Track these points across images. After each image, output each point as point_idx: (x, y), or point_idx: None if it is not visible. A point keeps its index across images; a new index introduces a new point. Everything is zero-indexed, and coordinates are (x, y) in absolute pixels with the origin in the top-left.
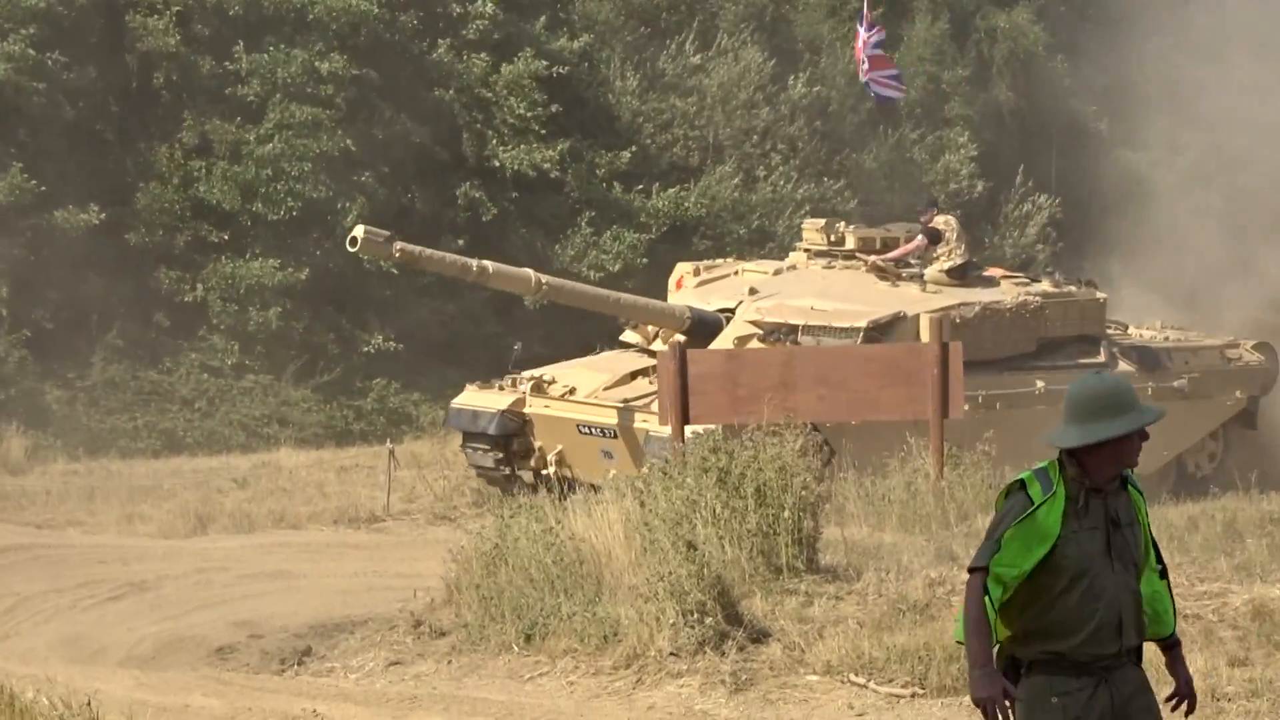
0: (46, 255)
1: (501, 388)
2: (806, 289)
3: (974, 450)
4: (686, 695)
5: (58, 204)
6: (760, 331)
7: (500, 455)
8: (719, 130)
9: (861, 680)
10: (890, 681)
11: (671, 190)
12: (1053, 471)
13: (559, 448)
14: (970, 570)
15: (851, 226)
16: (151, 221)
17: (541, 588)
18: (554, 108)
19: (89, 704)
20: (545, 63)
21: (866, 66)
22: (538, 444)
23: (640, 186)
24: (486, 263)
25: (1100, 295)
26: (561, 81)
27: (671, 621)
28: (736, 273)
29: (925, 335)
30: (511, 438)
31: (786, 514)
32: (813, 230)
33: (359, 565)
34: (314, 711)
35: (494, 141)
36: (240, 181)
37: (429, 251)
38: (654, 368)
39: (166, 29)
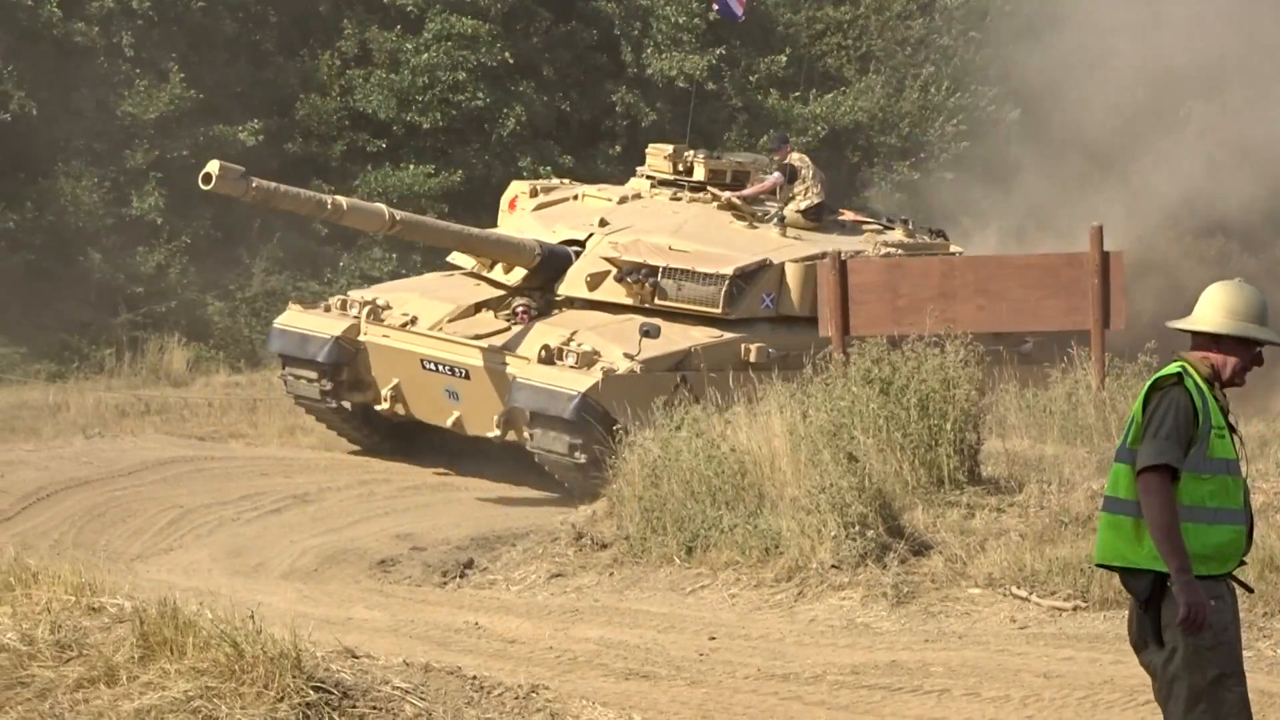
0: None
1: (327, 308)
2: (658, 224)
3: (1135, 361)
4: (848, 608)
5: (218, 115)
6: (616, 270)
7: (328, 386)
8: (872, 40)
9: (1023, 593)
10: (1052, 594)
11: (828, 96)
12: (1190, 370)
13: (394, 381)
14: (1150, 469)
15: (700, 155)
16: (310, 131)
17: (703, 500)
18: (712, 15)
19: (252, 617)
20: None
21: None
22: (371, 376)
23: (797, 94)
24: (340, 198)
25: (956, 248)
26: None
27: (833, 534)
28: (576, 197)
29: (792, 285)
30: (341, 366)
31: (949, 425)
32: (659, 156)
33: (521, 476)
34: (475, 624)
35: (649, 49)
36: (397, 90)
37: (284, 188)
38: (501, 300)
39: None
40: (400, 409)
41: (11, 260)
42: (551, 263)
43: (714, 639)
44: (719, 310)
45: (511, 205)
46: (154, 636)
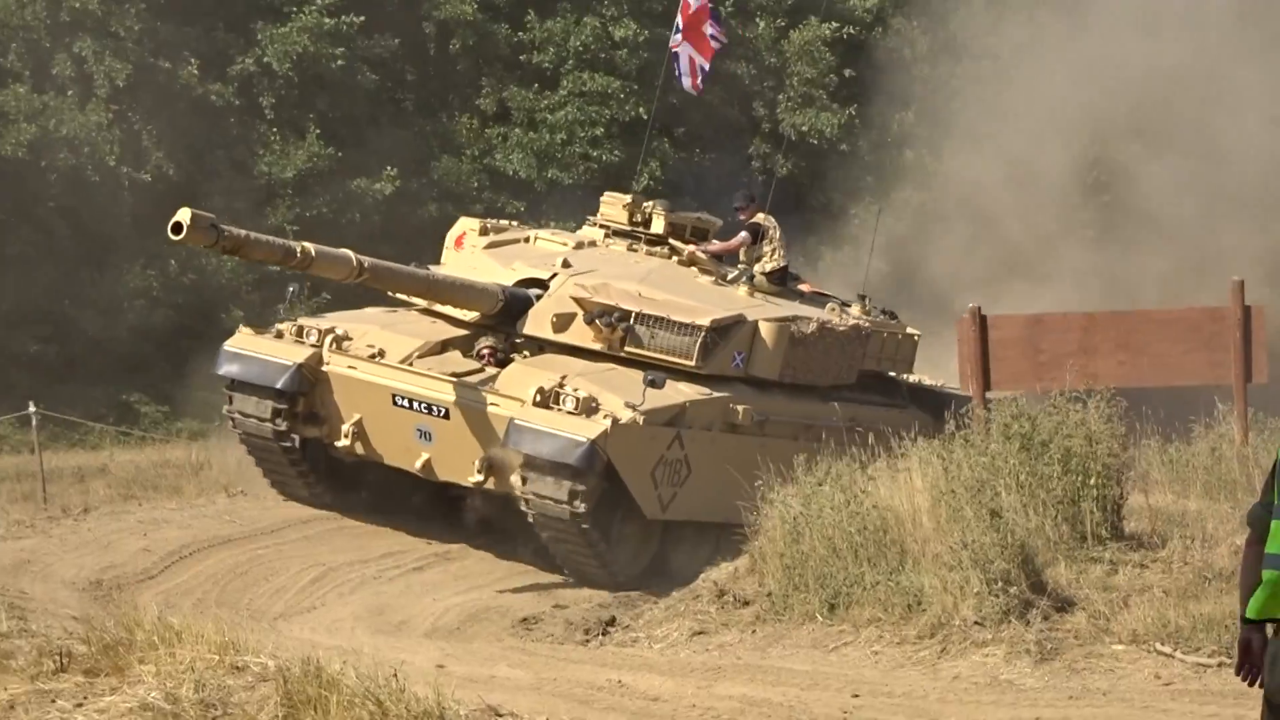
0: (344, 222)
1: (279, 334)
2: (623, 271)
3: (1278, 415)
4: (991, 664)
5: (356, 171)
6: (584, 312)
7: (282, 418)
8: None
9: (1168, 649)
10: (1196, 650)
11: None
12: None
13: (357, 417)
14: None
15: (659, 206)
16: (448, 191)
17: (845, 556)
18: (846, 72)
19: (395, 675)
20: (835, 24)
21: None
22: (330, 410)
23: (926, 151)
24: (309, 245)
25: (914, 332)
26: (851, 44)
27: (976, 590)
28: (528, 239)
29: (764, 346)
30: (298, 397)
31: (1091, 481)
32: (616, 205)
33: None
34: (619, 682)
35: (783, 105)
36: (536, 149)
37: (254, 235)
38: (466, 339)
39: None
40: (360, 448)
41: (154, 319)
42: (512, 306)
43: (857, 696)
44: (692, 363)
45: (459, 242)
46: (298, 695)
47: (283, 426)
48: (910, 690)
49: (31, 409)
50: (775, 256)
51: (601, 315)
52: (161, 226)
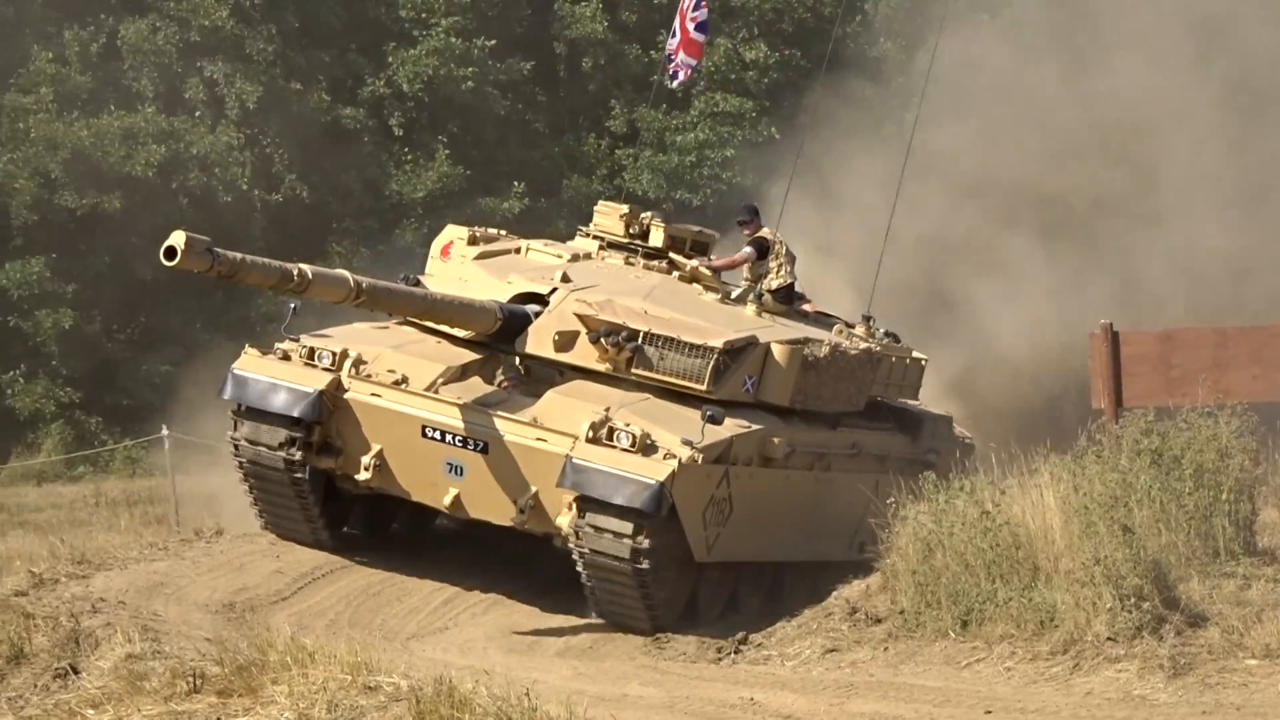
0: None
1: (286, 356)
2: (625, 286)
3: None
4: (1124, 680)
5: (486, 191)
6: (589, 331)
7: (297, 449)
8: None
9: None
10: None
11: None
12: None
13: (377, 449)
14: None
15: (656, 218)
16: (577, 210)
17: (977, 573)
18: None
19: (527, 694)
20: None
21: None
22: (347, 440)
23: None
24: (306, 267)
25: (921, 356)
26: None
27: (1108, 606)
28: (519, 250)
29: (777, 369)
30: (314, 426)
31: (1224, 496)
32: (612, 216)
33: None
34: (751, 699)
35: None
36: (665, 169)
37: (249, 258)
38: (487, 365)
39: (594, 15)
40: (380, 481)
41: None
42: (510, 324)
43: (990, 713)
44: (703, 387)
45: (445, 251)
46: (430, 715)
47: (296, 456)
48: (1043, 706)
49: (165, 432)
50: (782, 273)
51: (609, 334)
52: (297, 248)
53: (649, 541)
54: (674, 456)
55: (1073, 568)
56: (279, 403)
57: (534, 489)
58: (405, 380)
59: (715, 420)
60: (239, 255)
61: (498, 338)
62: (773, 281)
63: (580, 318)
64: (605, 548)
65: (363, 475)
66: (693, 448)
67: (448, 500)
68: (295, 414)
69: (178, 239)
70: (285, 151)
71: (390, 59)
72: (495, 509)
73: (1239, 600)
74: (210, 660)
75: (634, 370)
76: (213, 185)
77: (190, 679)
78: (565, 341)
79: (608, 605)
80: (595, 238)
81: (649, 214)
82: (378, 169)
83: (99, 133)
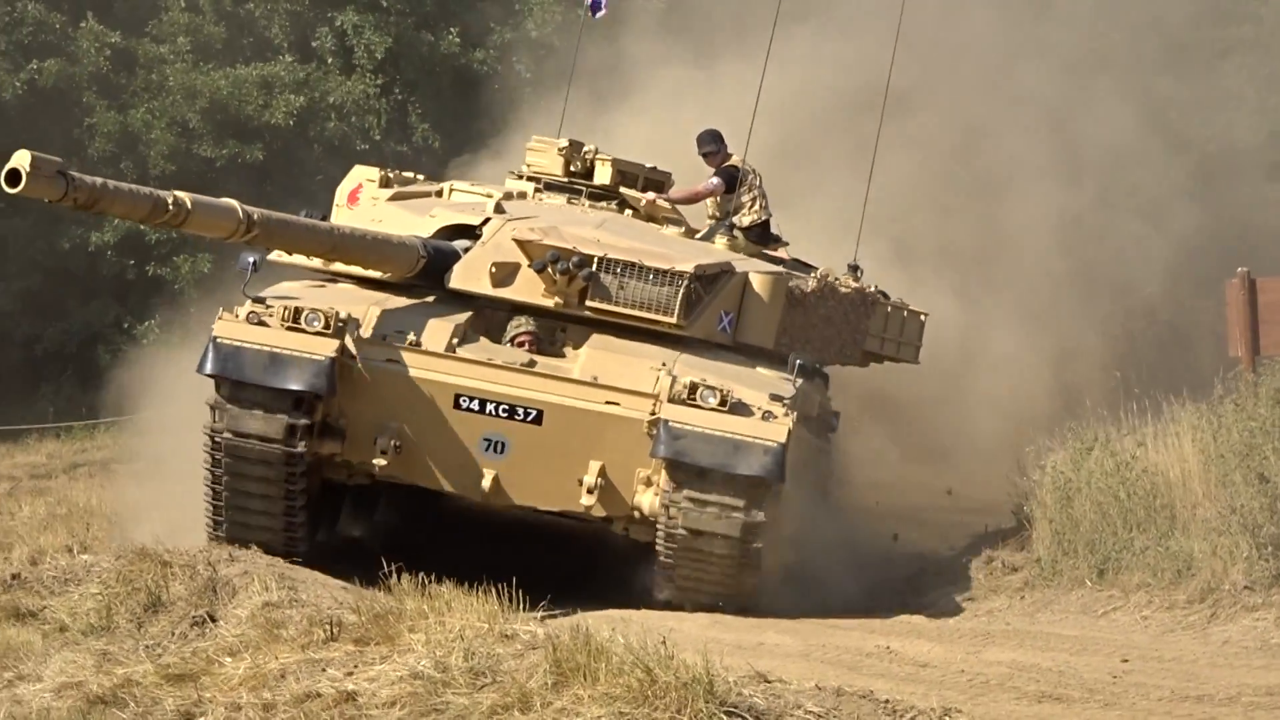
0: None
1: (259, 321)
2: (569, 219)
3: None
4: (1262, 629)
5: None
6: (531, 260)
7: (303, 426)
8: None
9: None
10: None
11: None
12: None
13: (394, 427)
14: None
15: (599, 153)
16: None
17: (1114, 521)
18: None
19: (664, 643)
20: None
21: None
22: (354, 419)
23: None
24: (183, 195)
25: (922, 312)
26: None
27: (1245, 555)
28: (440, 192)
29: (757, 303)
30: (316, 403)
31: None
32: (548, 152)
33: (926, 498)
34: (887, 648)
35: None
36: None
37: (112, 184)
38: (496, 322)
39: None
40: (400, 468)
41: None
42: (435, 263)
43: (1127, 661)
44: (673, 319)
45: (353, 197)
46: (567, 663)
47: (300, 447)
48: (1180, 655)
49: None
50: (756, 208)
51: (556, 261)
52: None
53: (763, 514)
54: (772, 415)
55: (1210, 516)
56: (283, 377)
57: (598, 463)
58: (418, 343)
59: (806, 371)
60: (98, 180)
61: (421, 278)
62: (744, 217)
63: (521, 244)
64: (709, 525)
65: (378, 461)
66: (783, 403)
67: (485, 485)
68: (305, 388)
69: (21, 159)
70: (417, 100)
71: (518, 5)
72: (545, 492)
73: None
74: (347, 608)
75: (588, 303)
76: (349, 134)
77: (327, 627)
78: (504, 275)
79: (694, 589)
80: (530, 179)
81: (593, 148)
82: (509, 111)
83: (237, 82)
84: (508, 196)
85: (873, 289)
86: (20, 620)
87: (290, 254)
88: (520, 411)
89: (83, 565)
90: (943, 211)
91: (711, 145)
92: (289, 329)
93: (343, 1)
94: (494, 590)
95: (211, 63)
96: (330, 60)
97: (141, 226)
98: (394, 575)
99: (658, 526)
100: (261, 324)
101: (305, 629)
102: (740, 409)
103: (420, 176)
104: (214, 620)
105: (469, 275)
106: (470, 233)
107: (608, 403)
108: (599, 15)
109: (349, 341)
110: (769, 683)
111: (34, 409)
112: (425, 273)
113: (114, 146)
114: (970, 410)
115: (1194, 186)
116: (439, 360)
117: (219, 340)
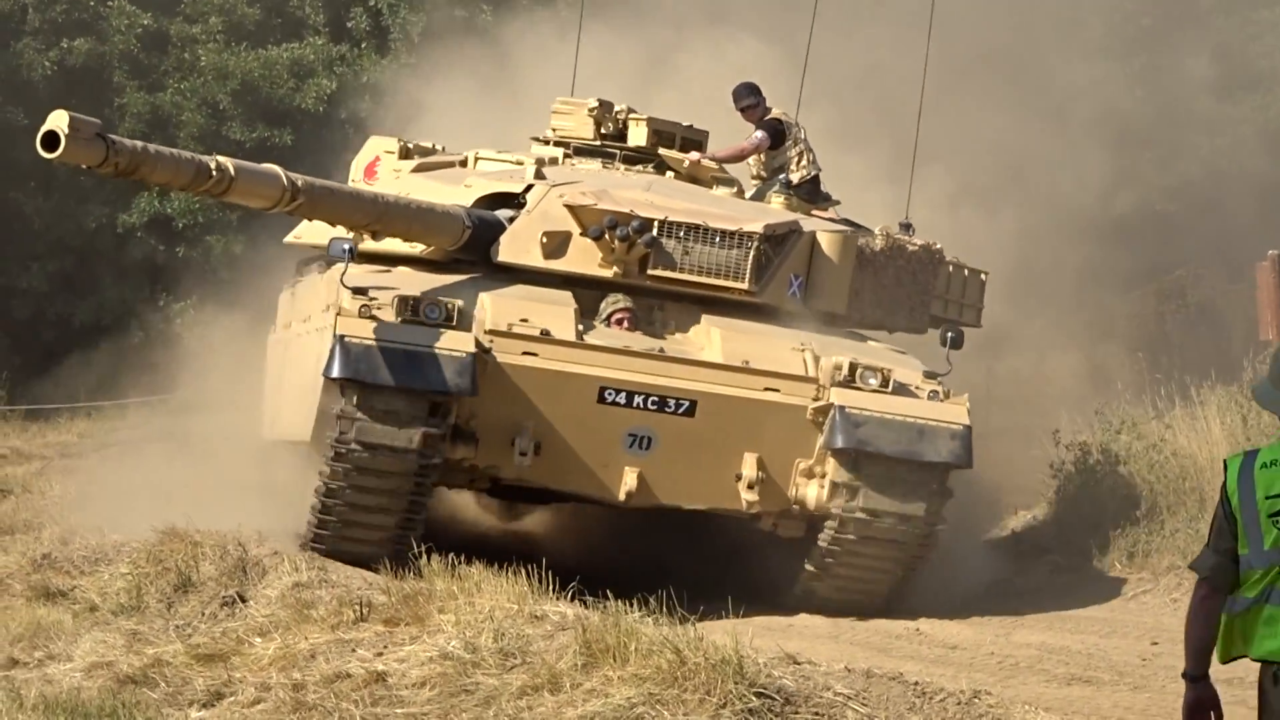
0: None
1: (368, 313)
2: (614, 184)
3: None
4: None
5: None
6: (585, 227)
7: (439, 433)
8: None
9: None
10: None
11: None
12: None
13: (531, 424)
14: None
15: (630, 111)
16: None
17: (1144, 504)
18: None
19: (693, 624)
20: None
21: None
22: (493, 420)
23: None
24: (227, 161)
25: (983, 270)
26: None
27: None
28: (464, 161)
29: (827, 266)
30: (452, 404)
31: None
32: (577, 114)
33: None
34: (917, 630)
35: None
36: None
37: (154, 148)
38: (590, 302)
39: None
40: (536, 473)
41: None
42: (481, 234)
43: (1156, 644)
44: (744, 285)
45: (370, 171)
46: (596, 644)
47: (436, 458)
48: None
49: None
50: (804, 163)
51: (614, 226)
52: None
53: (943, 502)
54: (938, 395)
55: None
56: (423, 377)
57: (754, 456)
58: (546, 332)
59: (957, 343)
60: (140, 144)
61: (465, 251)
62: (794, 173)
63: (573, 210)
64: (890, 518)
65: (517, 462)
66: (939, 381)
67: (629, 484)
68: (448, 389)
69: (59, 120)
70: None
71: None
72: (695, 489)
73: None
74: (377, 589)
75: (650, 271)
76: (380, 114)
77: (357, 607)
78: (555, 245)
79: (854, 587)
80: (558, 144)
81: (625, 108)
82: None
83: (268, 63)
84: (540, 163)
85: (937, 246)
86: (50, 600)
87: (333, 225)
88: (671, 403)
89: (113, 545)
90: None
91: (750, 99)
92: (407, 323)
93: None
94: (524, 571)
95: (244, 43)
96: (365, 44)
97: (169, 211)
98: (424, 556)
99: (827, 521)
100: (373, 318)
101: (335, 609)
102: (902, 390)
103: (440, 146)
104: (244, 600)
105: (517, 247)
106: (511, 201)
107: (766, 389)
108: None
109: (483, 335)
110: (798, 664)
111: (64, 388)
112: (469, 245)
113: (144, 127)
114: (997, 389)
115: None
116: (576, 351)
117: (348, 340)
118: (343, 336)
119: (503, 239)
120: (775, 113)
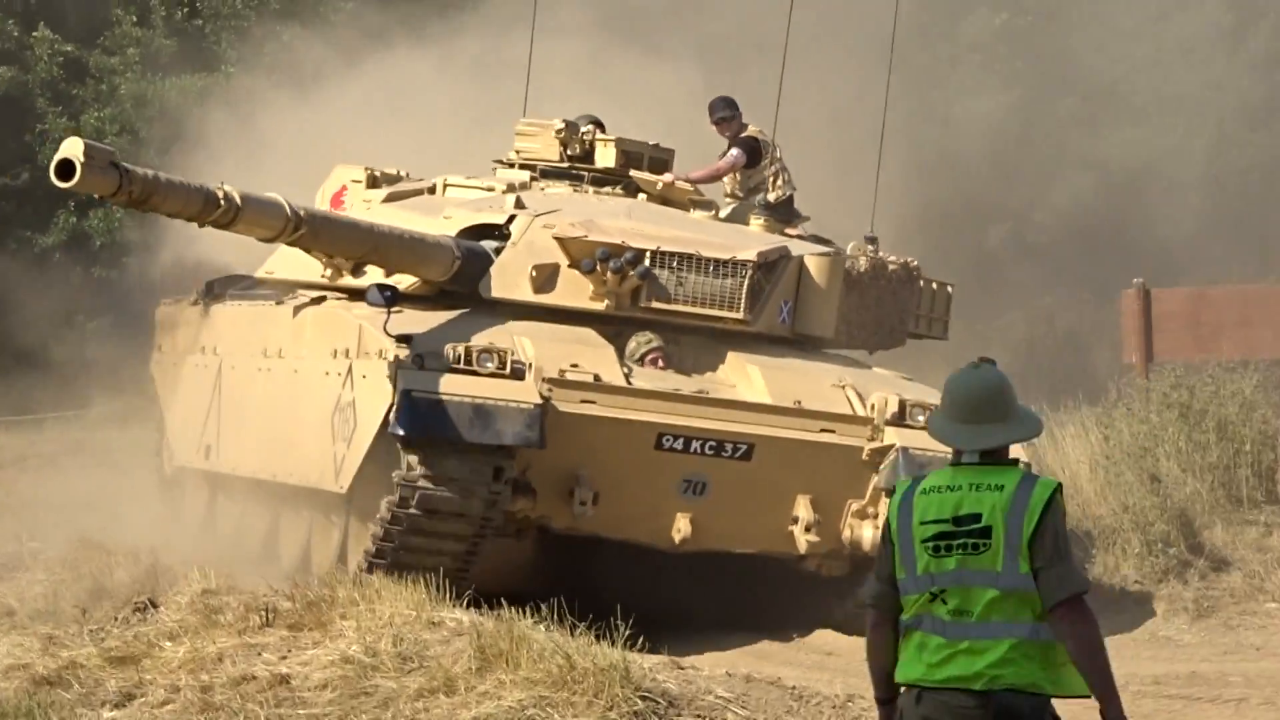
0: None
1: (421, 361)
2: (592, 211)
3: None
4: (1151, 623)
5: None
6: (577, 259)
7: (504, 488)
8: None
9: None
10: None
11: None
12: None
13: (588, 473)
14: (1081, 595)
15: (597, 132)
16: None
17: None
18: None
19: (586, 631)
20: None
21: None
22: (552, 470)
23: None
24: (233, 190)
25: (949, 284)
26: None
27: (1136, 551)
28: (432, 189)
29: (815, 290)
30: (514, 457)
31: (1247, 447)
32: (543, 135)
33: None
34: (794, 637)
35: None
36: None
37: (165, 176)
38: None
39: None
40: (592, 524)
41: None
42: (468, 265)
43: None
44: (739, 314)
45: (336, 200)
46: (490, 649)
47: (498, 517)
48: None
49: None
50: (780, 182)
51: (608, 259)
52: None
53: None
54: None
55: (1102, 514)
56: (493, 431)
57: (807, 497)
58: (596, 377)
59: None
60: (151, 173)
61: (453, 283)
62: (771, 193)
63: (562, 242)
64: None
65: (576, 512)
66: None
67: (682, 530)
68: (518, 443)
69: (74, 148)
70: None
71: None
72: (749, 533)
73: (1260, 546)
74: (282, 596)
75: (643, 304)
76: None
77: (263, 613)
78: (545, 278)
79: None
80: (523, 166)
81: (591, 127)
82: None
83: (182, 91)
84: (510, 188)
85: (915, 263)
86: None
87: (330, 256)
88: (729, 447)
89: (30, 553)
90: None
91: (725, 111)
92: (461, 372)
93: (289, 15)
94: (422, 580)
95: (160, 73)
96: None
97: (87, 227)
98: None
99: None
100: (420, 364)
101: (242, 615)
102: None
103: (404, 173)
104: (155, 606)
105: (506, 281)
106: (492, 232)
107: (822, 430)
108: None
109: (536, 382)
110: (681, 669)
111: None
112: (457, 277)
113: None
114: None
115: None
116: (629, 397)
117: (414, 394)
118: (408, 391)
119: (492, 273)
120: (751, 130)
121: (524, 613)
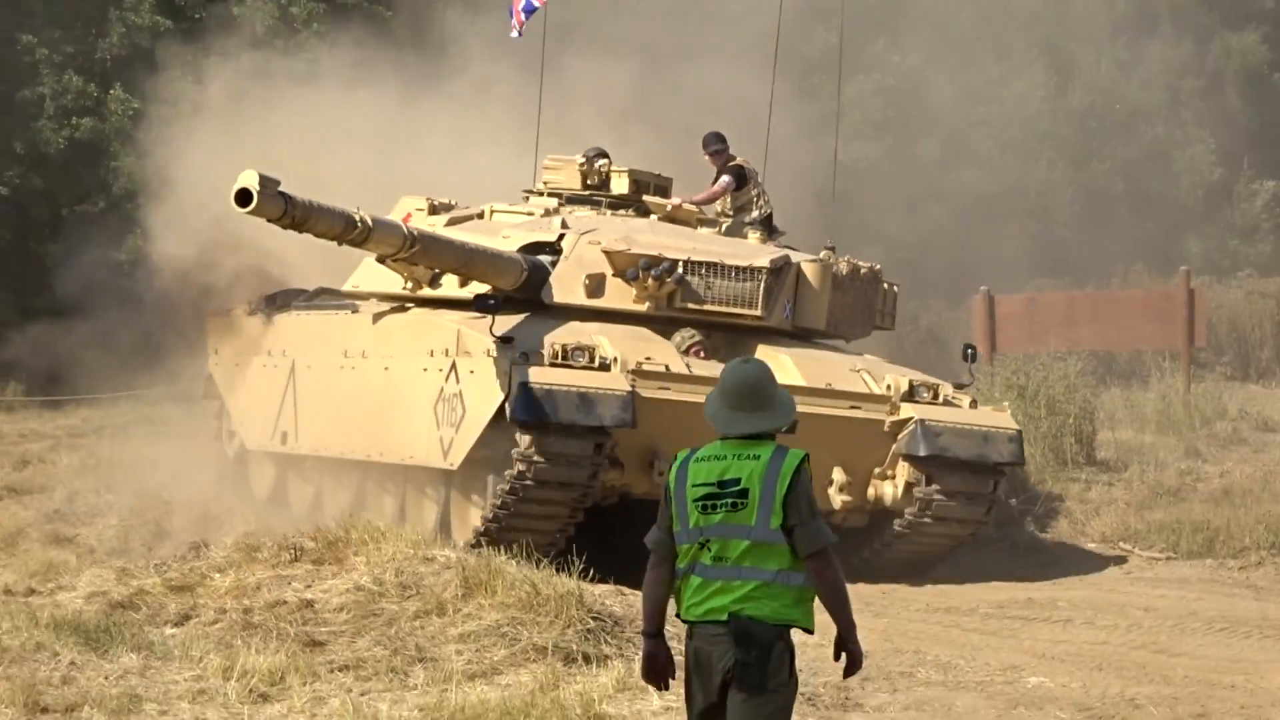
0: None
1: (526, 356)
2: (622, 230)
3: (1214, 370)
4: (996, 559)
5: None
6: (622, 269)
7: (601, 460)
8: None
9: (1128, 547)
10: (1150, 548)
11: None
12: None
13: (664, 449)
14: (827, 548)
15: (609, 164)
16: None
17: None
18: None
19: (554, 569)
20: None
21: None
22: (636, 449)
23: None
24: (365, 214)
25: (895, 284)
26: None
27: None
28: (481, 215)
29: (811, 291)
30: (608, 436)
31: (1070, 420)
32: (566, 169)
33: None
34: None
35: None
36: None
37: (317, 203)
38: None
39: None
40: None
41: None
42: (533, 275)
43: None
44: (757, 311)
45: (405, 223)
46: (472, 579)
47: (596, 484)
48: (936, 577)
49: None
50: (762, 201)
51: (649, 268)
52: None
53: (999, 489)
54: (975, 403)
55: None
56: (589, 413)
57: (839, 465)
58: (667, 368)
59: (975, 358)
60: (308, 200)
61: (521, 291)
62: (755, 211)
63: (610, 255)
64: (956, 511)
65: (656, 480)
66: (965, 390)
67: None
68: (615, 424)
69: (250, 179)
70: None
71: None
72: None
73: (1081, 499)
74: (307, 537)
75: (678, 304)
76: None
77: (292, 551)
78: (596, 285)
79: (908, 566)
80: (551, 194)
81: (604, 160)
82: None
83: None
84: (546, 213)
85: (878, 267)
86: (59, 544)
87: (433, 270)
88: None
89: (107, 503)
90: None
91: (718, 144)
92: (560, 366)
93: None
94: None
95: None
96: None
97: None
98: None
99: (908, 510)
100: (525, 359)
101: (275, 553)
102: (949, 401)
103: (455, 201)
104: (206, 546)
105: (564, 288)
106: (544, 248)
107: (851, 407)
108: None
109: (621, 373)
110: (624, 595)
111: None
112: (523, 286)
113: (133, 185)
114: None
115: (949, 224)
116: (695, 384)
117: (532, 386)
118: (524, 383)
119: (552, 281)
120: (738, 160)
121: (499, 550)
